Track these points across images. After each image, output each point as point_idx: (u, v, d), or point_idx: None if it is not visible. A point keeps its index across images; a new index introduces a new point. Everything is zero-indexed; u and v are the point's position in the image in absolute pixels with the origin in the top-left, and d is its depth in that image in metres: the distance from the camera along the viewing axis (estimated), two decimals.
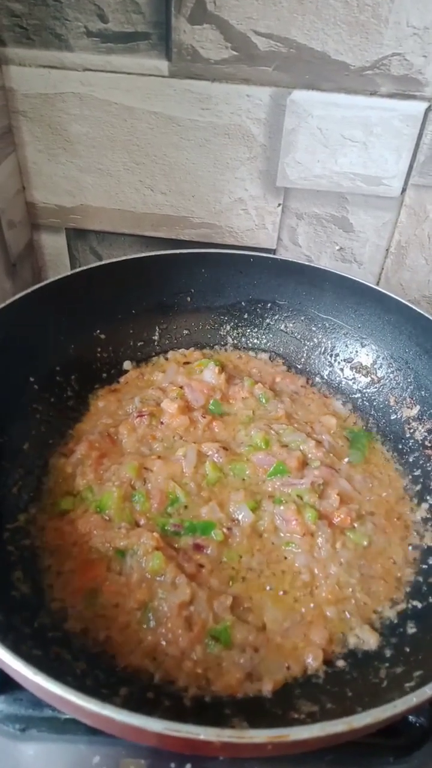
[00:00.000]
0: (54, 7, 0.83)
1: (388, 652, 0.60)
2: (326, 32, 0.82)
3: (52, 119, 0.93)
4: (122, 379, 0.89)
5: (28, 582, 0.62)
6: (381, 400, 0.87)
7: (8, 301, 0.75)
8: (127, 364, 0.90)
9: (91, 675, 0.55)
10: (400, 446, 0.81)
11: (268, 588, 0.65)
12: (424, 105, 0.87)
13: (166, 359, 0.93)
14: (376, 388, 0.88)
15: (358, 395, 0.89)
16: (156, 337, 0.93)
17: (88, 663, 0.56)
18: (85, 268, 0.85)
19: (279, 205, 1.00)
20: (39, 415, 0.78)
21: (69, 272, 0.83)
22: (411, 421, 0.82)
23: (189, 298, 0.94)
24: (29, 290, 0.78)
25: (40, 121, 0.93)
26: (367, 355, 0.90)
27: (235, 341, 0.96)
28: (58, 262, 1.10)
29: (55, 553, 0.66)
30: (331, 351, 0.93)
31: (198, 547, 0.67)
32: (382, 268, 1.07)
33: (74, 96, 0.90)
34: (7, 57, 0.88)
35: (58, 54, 0.87)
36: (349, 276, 0.90)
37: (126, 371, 0.90)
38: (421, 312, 0.83)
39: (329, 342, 0.92)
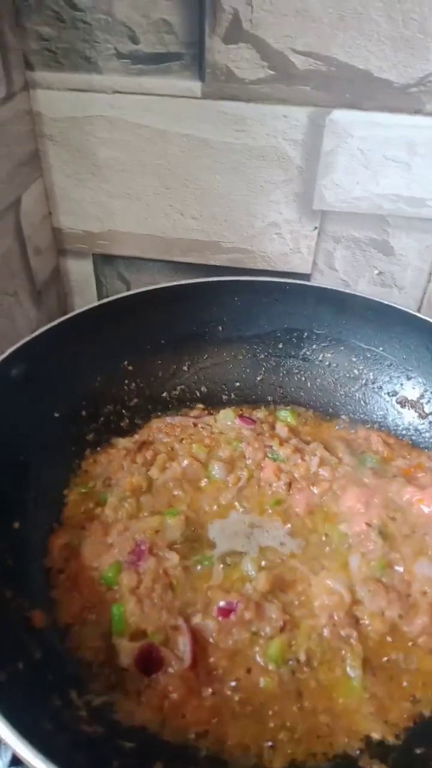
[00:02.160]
0: (84, 29, 0.81)
1: None
2: (369, 49, 0.78)
3: (80, 143, 0.90)
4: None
5: None
6: (429, 435, 0.81)
7: (34, 334, 0.72)
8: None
9: None
10: None
11: None
12: None
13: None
14: (424, 423, 0.82)
15: (404, 432, 0.83)
16: (185, 368, 0.88)
17: None
18: (112, 299, 0.81)
19: (315, 228, 0.95)
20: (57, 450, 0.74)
21: (95, 304, 0.79)
22: None
23: (221, 327, 0.89)
24: (56, 323, 0.74)
25: (67, 145, 0.90)
26: (414, 388, 0.83)
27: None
28: (84, 288, 1.06)
29: None
30: (373, 383, 0.87)
31: None
32: (425, 293, 1.01)
33: (103, 119, 0.87)
34: (35, 81, 0.85)
35: (87, 77, 0.84)
36: (393, 304, 0.84)
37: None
38: None
39: (371, 374, 0.86)
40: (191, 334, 0.88)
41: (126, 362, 0.84)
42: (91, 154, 0.91)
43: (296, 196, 0.92)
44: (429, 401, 0.82)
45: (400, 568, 0.69)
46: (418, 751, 0.55)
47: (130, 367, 0.84)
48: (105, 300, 0.81)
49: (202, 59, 0.81)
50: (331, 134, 0.85)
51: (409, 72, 0.79)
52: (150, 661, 0.59)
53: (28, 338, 0.72)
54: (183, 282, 0.86)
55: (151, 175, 0.92)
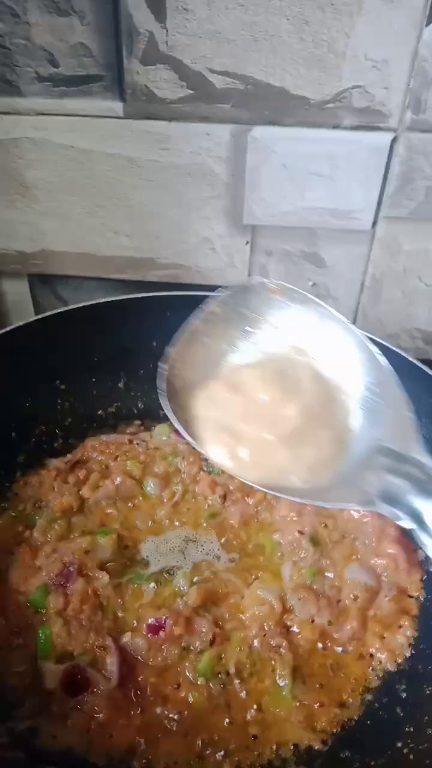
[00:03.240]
0: (3, 54, 0.81)
1: None
2: (283, 68, 0.80)
3: (6, 165, 0.90)
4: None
5: None
6: None
7: None
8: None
9: None
10: None
11: None
12: (389, 136, 0.85)
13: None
14: None
15: None
16: (121, 385, 0.88)
17: None
18: (40, 316, 0.81)
19: (247, 242, 0.97)
20: None
21: (22, 322, 0.79)
22: None
23: (155, 342, 0.89)
24: None
25: None
26: None
27: None
28: (21, 309, 1.06)
29: None
30: None
31: None
32: (359, 303, 1.03)
33: (28, 141, 0.87)
34: None
35: (10, 100, 0.84)
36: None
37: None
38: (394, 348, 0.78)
39: None
40: (125, 350, 0.88)
41: (58, 381, 0.83)
42: (19, 175, 0.91)
43: (226, 211, 0.93)
44: None
45: (330, 574, 0.70)
46: (343, 755, 0.56)
47: (63, 386, 0.84)
48: (33, 318, 0.81)
49: (122, 80, 0.82)
50: (254, 150, 0.87)
51: (324, 89, 0.81)
52: (76, 683, 0.59)
53: None
54: (113, 298, 0.86)
55: (80, 194, 0.92)
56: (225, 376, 0.54)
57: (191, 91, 0.82)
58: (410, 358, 0.76)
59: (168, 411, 0.54)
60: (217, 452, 0.52)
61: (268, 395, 0.50)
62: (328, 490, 0.49)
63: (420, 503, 0.46)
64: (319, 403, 0.49)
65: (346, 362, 0.51)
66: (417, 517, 0.46)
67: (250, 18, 0.76)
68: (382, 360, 0.46)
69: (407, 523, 0.47)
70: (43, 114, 0.85)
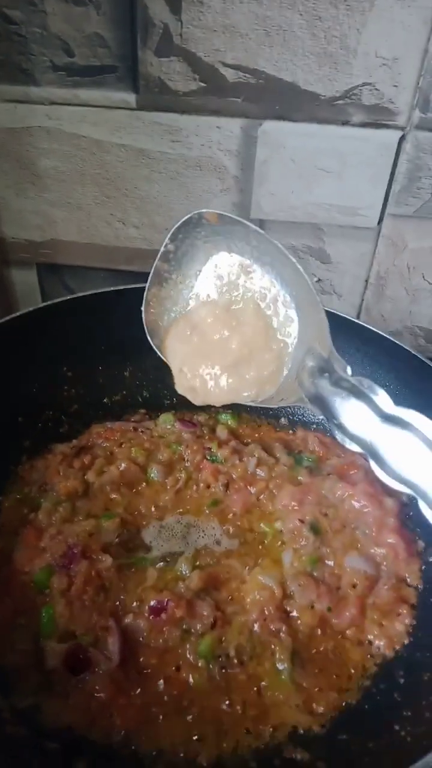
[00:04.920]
0: (19, 42, 0.82)
1: None
2: (295, 63, 0.81)
3: (19, 154, 0.91)
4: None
5: None
6: None
7: None
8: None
9: None
10: None
11: None
12: (398, 134, 0.86)
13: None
14: None
15: None
16: (127, 374, 0.89)
17: None
18: (49, 303, 0.81)
19: None
20: None
21: (32, 308, 0.80)
22: None
23: None
24: None
25: (7, 155, 0.91)
26: None
27: None
28: (29, 298, 1.06)
29: None
30: None
31: None
32: (363, 300, 1.04)
33: (41, 130, 0.88)
34: None
35: (24, 88, 0.85)
36: (329, 309, 0.87)
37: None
38: (399, 344, 0.79)
39: None
40: (132, 339, 0.87)
41: (65, 368, 0.84)
42: (31, 164, 0.92)
43: (234, 205, 0.94)
44: None
45: (330, 563, 0.70)
46: (340, 737, 0.56)
47: (70, 373, 0.84)
48: (42, 304, 0.82)
49: (136, 72, 0.83)
50: (264, 145, 0.88)
51: (335, 85, 0.82)
52: (78, 662, 0.59)
53: None
54: (124, 286, 0.87)
55: (91, 184, 0.93)
56: (187, 315, 0.61)
57: (203, 84, 0.83)
58: (422, 358, 0.77)
59: (155, 349, 0.63)
60: (181, 385, 0.61)
61: (217, 334, 0.58)
62: (272, 397, 0.58)
63: (338, 402, 0.51)
64: (259, 331, 0.57)
65: (276, 275, 0.57)
66: (334, 416, 0.51)
67: (263, 12, 0.77)
68: (300, 267, 0.53)
69: (330, 424, 0.51)
70: (57, 103, 0.86)
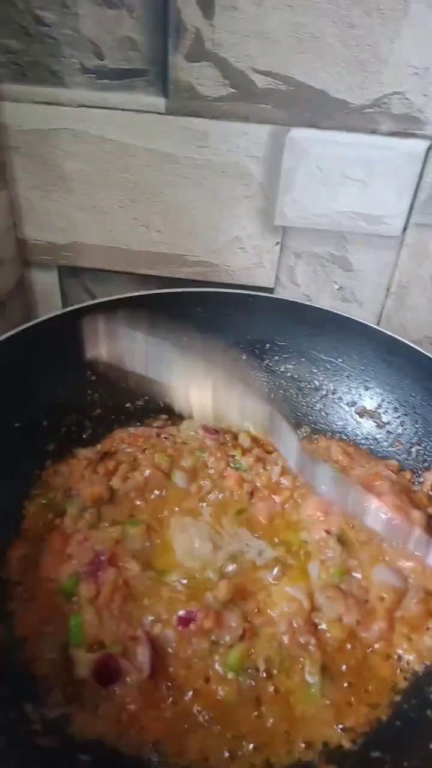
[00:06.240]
0: (50, 44, 0.82)
1: None
2: (326, 70, 0.81)
3: (45, 155, 0.90)
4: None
5: None
6: (386, 444, 0.83)
7: None
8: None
9: None
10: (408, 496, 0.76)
11: None
12: (426, 144, 0.86)
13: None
14: (382, 433, 0.84)
15: (363, 441, 0.85)
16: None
17: None
18: (74, 307, 0.81)
19: (277, 243, 0.97)
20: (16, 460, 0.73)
21: (57, 312, 0.79)
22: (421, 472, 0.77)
23: (185, 338, 0.90)
24: (16, 330, 0.74)
25: (33, 157, 0.91)
26: (371, 398, 0.85)
27: None
28: (49, 300, 1.06)
29: None
30: (333, 393, 0.88)
31: None
32: (383, 308, 1.04)
33: (68, 132, 0.88)
34: (1, 93, 0.86)
35: (53, 90, 0.85)
36: (351, 316, 0.87)
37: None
38: (427, 354, 0.79)
39: (331, 385, 0.88)
40: None
41: (89, 372, 0.83)
42: (57, 166, 0.91)
43: (258, 211, 0.94)
44: (386, 411, 0.84)
45: (357, 575, 0.70)
46: (374, 755, 0.56)
47: (93, 377, 0.84)
48: (67, 309, 0.81)
49: (166, 76, 0.83)
50: (291, 152, 0.87)
51: (364, 93, 0.82)
52: (108, 672, 0.59)
53: None
54: (147, 292, 0.87)
55: (115, 188, 0.93)
56: None
57: (233, 90, 0.83)
58: None
59: None
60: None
61: None
62: None
63: None
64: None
65: None
66: None
67: (296, 19, 0.77)
68: None
69: None
70: (85, 106, 0.86)
